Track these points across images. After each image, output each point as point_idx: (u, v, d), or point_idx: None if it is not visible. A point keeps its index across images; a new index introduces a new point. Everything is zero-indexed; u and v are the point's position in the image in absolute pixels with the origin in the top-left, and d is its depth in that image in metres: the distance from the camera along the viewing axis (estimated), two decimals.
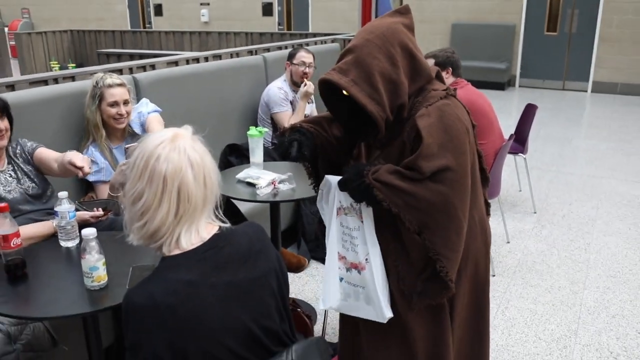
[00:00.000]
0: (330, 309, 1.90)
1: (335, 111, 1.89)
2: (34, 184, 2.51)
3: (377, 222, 1.77)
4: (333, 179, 1.82)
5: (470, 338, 1.96)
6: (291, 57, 4.17)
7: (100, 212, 2.45)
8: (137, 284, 1.32)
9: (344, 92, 1.71)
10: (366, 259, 1.78)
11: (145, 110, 3.16)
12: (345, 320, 2.05)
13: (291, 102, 4.15)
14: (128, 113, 2.94)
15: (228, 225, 1.42)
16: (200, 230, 1.37)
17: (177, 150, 1.32)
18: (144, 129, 3.11)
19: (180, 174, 1.31)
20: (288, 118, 4.07)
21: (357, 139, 1.92)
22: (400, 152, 1.75)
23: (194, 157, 1.33)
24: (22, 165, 2.51)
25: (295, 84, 4.19)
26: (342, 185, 1.76)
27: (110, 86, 2.86)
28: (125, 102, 2.91)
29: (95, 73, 3.04)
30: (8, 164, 2.48)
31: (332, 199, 1.84)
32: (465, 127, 1.71)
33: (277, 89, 4.11)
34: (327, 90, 1.80)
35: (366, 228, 1.78)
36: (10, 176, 2.46)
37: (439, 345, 1.82)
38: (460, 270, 1.78)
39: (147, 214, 1.33)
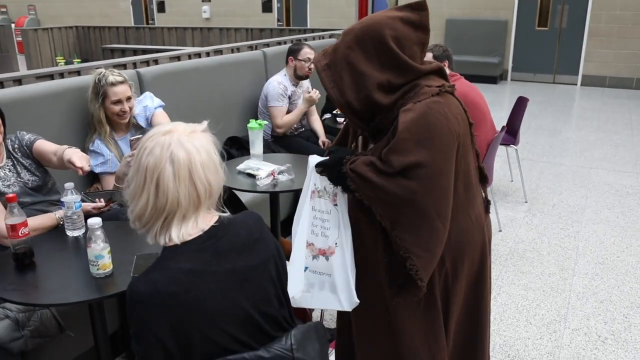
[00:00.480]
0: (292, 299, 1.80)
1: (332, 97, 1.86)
2: (34, 177, 2.49)
3: (369, 213, 1.71)
4: (312, 160, 1.80)
5: (469, 335, 1.93)
6: (295, 52, 4.13)
7: (102, 203, 2.44)
8: (141, 273, 1.31)
9: None
10: (336, 243, 1.75)
11: (152, 105, 3.15)
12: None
13: (290, 97, 4.14)
14: (131, 108, 2.93)
15: (227, 215, 1.42)
16: (198, 221, 1.35)
17: (161, 146, 1.30)
18: (149, 123, 3.11)
19: (158, 169, 1.29)
20: (282, 114, 4.05)
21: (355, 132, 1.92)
22: (387, 145, 1.69)
23: (179, 154, 1.29)
24: (21, 160, 2.48)
25: (299, 78, 4.18)
26: (319, 168, 1.76)
27: (112, 84, 2.84)
28: (128, 99, 2.89)
29: (99, 68, 3.03)
30: (7, 158, 2.45)
31: (308, 181, 1.81)
32: (452, 128, 1.63)
33: (277, 83, 4.09)
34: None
35: (340, 210, 1.76)
36: (10, 170, 2.43)
37: (429, 339, 1.79)
38: (457, 267, 1.75)
39: (133, 202, 1.35)
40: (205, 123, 1.40)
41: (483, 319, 1.94)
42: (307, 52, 4.12)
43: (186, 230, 1.34)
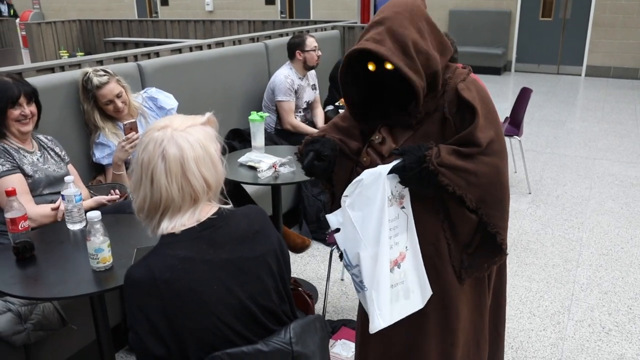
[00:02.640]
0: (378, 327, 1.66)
1: (348, 95, 1.78)
2: (56, 168, 2.55)
3: (422, 208, 1.69)
4: (383, 170, 1.61)
5: (492, 313, 1.95)
6: (301, 45, 4.09)
7: (117, 194, 2.49)
8: (138, 261, 1.32)
9: (370, 68, 1.65)
10: (406, 247, 1.67)
11: (168, 106, 3.19)
12: None
13: (296, 91, 4.12)
14: (125, 102, 2.92)
15: (229, 207, 1.40)
16: (196, 212, 1.35)
17: (154, 142, 1.30)
18: None
19: (151, 165, 1.30)
20: (292, 109, 4.05)
21: (373, 125, 1.80)
22: (441, 129, 1.69)
23: (171, 150, 1.29)
24: (52, 155, 2.58)
25: (308, 69, 4.18)
26: (399, 172, 1.61)
27: (98, 87, 2.84)
28: (119, 96, 2.88)
29: (85, 66, 3.01)
30: (38, 149, 2.53)
31: (376, 193, 1.61)
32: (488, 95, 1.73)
33: (284, 77, 4.07)
34: (348, 67, 1.70)
35: (407, 213, 1.67)
36: (38, 159, 2.50)
37: (475, 316, 1.83)
38: None
39: (134, 194, 1.36)
40: (207, 115, 1.39)
41: (504, 298, 1.99)
42: (312, 42, 4.12)
43: (182, 221, 1.33)
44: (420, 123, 1.71)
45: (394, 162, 1.61)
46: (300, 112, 4.24)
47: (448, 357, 1.81)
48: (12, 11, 12.21)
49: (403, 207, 1.66)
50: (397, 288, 1.67)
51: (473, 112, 1.63)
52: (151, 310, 1.25)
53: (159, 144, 1.30)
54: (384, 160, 1.76)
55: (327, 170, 1.83)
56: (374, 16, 1.71)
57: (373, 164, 1.72)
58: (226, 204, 1.41)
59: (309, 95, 4.25)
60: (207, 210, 1.37)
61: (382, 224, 1.60)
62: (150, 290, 1.25)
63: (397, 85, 1.66)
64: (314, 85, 4.34)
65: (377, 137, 1.77)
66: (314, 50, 4.10)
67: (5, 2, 12.02)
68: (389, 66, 1.62)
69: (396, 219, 1.64)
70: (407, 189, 1.66)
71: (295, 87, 4.10)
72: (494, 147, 1.63)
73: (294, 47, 4.11)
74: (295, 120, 4.10)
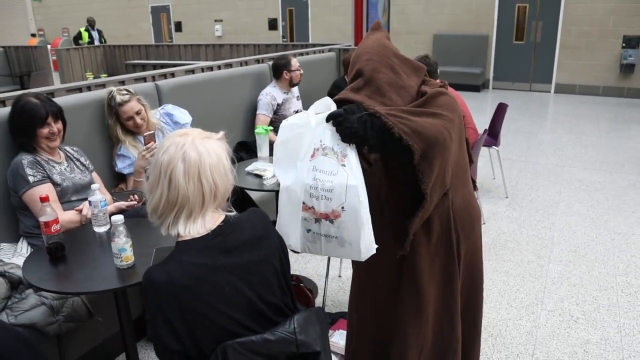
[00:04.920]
0: (293, 249, 1.61)
1: None
2: (82, 177, 2.55)
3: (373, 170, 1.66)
4: (316, 115, 1.53)
5: (472, 300, 1.93)
6: (287, 65, 4.13)
7: (136, 200, 2.49)
8: (157, 264, 1.31)
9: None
10: (342, 207, 1.50)
11: (183, 121, 3.20)
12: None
13: (279, 104, 4.12)
14: (144, 119, 2.93)
15: (234, 214, 1.40)
16: (206, 220, 1.34)
17: (176, 145, 1.30)
18: None
19: (171, 166, 1.29)
20: (264, 122, 4.02)
21: None
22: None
23: (191, 154, 1.29)
24: (77, 165, 2.58)
25: (292, 86, 4.21)
26: (335, 119, 1.50)
27: (120, 105, 2.85)
28: (138, 112, 2.89)
29: (111, 85, 3.02)
30: (65, 160, 2.54)
31: (307, 139, 1.53)
32: (459, 109, 1.68)
33: (266, 94, 4.11)
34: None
35: (348, 171, 1.50)
36: (65, 169, 2.50)
37: (447, 298, 1.80)
38: (463, 229, 1.78)
39: (150, 195, 1.35)
40: (221, 133, 1.39)
41: (481, 286, 1.97)
42: (295, 62, 4.20)
43: (195, 228, 1.32)
44: None
45: (331, 107, 1.54)
46: None
47: (422, 333, 1.79)
48: (102, 39, 12.26)
49: (343, 165, 1.50)
50: (330, 239, 1.55)
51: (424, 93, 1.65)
52: (169, 311, 1.25)
53: (180, 147, 1.30)
54: (370, 167, 1.78)
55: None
56: (355, 65, 1.72)
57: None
58: (230, 211, 1.41)
59: (295, 105, 4.28)
60: (215, 218, 1.36)
61: (302, 166, 1.51)
62: (169, 293, 1.24)
63: None
64: (298, 96, 4.37)
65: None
66: (298, 70, 4.16)
67: (95, 29, 12.14)
68: None
69: (330, 174, 1.49)
70: (352, 149, 1.52)
71: (280, 101, 4.11)
72: (443, 118, 1.57)
73: (282, 68, 4.14)
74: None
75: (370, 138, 1.51)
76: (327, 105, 1.58)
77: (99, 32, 12.39)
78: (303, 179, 1.52)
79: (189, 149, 1.30)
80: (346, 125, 1.49)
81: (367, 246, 1.55)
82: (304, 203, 1.54)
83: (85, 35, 12.05)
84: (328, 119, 1.52)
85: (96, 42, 11.93)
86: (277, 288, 1.41)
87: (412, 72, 1.73)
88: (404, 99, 1.66)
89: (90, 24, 12.28)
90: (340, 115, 1.50)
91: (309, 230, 1.57)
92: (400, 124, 1.49)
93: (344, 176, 1.49)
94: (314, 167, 1.53)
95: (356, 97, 1.61)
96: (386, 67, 1.67)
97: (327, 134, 1.51)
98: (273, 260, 1.41)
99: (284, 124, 1.59)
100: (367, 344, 1.93)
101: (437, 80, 1.78)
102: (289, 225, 1.59)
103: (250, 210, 1.48)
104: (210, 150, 1.32)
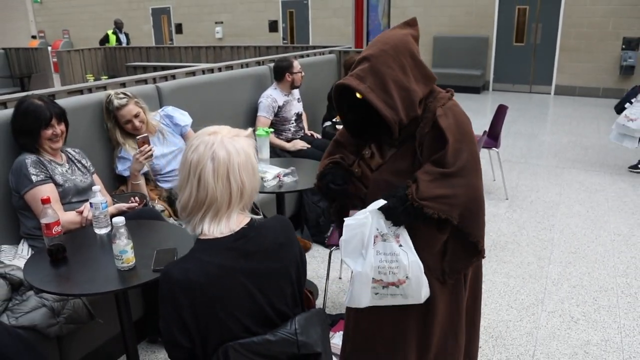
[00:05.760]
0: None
1: (344, 114, 1.80)
2: (83, 179, 2.55)
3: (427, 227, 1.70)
4: (371, 208, 1.67)
5: (469, 310, 1.95)
6: (289, 68, 4.12)
7: (136, 202, 2.49)
8: (176, 261, 1.30)
9: (358, 96, 1.65)
10: (407, 276, 1.66)
11: (183, 123, 3.20)
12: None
13: (280, 107, 4.11)
14: (143, 122, 2.93)
15: (260, 217, 1.39)
16: (231, 221, 1.33)
17: (205, 144, 1.30)
18: (183, 137, 3.19)
19: (201, 165, 1.28)
20: (264, 124, 4.01)
21: (366, 141, 1.83)
22: (417, 147, 1.70)
23: (220, 153, 1.29)
24: (79, 167, 2.58)
25: (295, 88, 4.20)
26: (387, 213, 1.64)
27: (118, 108, 2.86)
28: (136, 115, 2.90)
29: (112, 87, 3.02)
30: (67, 162, 2.54)
31: (365, 231, 1.67)
32: (470, 121, 1.72)
33: (267, 96, 4.09)
34: (341, 95, 1.73)
35: (405, 249, 1.66)
36: (67, 171, 2.50)
37: (454, 316, 1.84)
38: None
39: (180, 193, 1.34)
40: (249, 130, 1.39)
41: (479, 296, 1.98)
42: (297, 65, 4.18)
43: (219, 228, 1.32)
44: (404, 142, 1.73)
45: (379, 203, 1.64)
46: (292, 122, 4.24)
47: (426, 347, 1.81)
48: (129, 41, 12.03)
49: (400, 245, 1.67)
50: (396, 296, 1.72)
51: (445, 140, 1.62)
52: (182, 307, 1.25)
53: (210, 146, 1.29)
54: (372, 172, 1.78)
55: (344, 195, 1.85)
56: (365, 48, 1.71)
57: (364, 175, 1.78)
58: (257, 214, 1.40)
59: (296, 107, 4.27)
60: (240, 219, 1.35)
61: (368, 252, 1.67)
62: (185, 290, 1.24)
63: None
64: (299, 98, 4.36)
65: (367, 152, 1.81)
66: (300, 72, 4.15)
67: (123, 32, 11.90)
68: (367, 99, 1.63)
69: (393, 254, 1.66)
70: (402, 228, 1.66)
71: (281, 103, 4.10)
72: (468, 167, 1.62)
73: (284, 70, 4.13)
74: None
75: (414, 222, 1.66)
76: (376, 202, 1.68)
77: (126, 35, 12.07)
78: (371, 263, 1.67)
79: (218, 147, 1.29)
80: (394, 218, 1.64)
81: (426, 292, 1.72)
82: (373, 279, 1.70)
83: (112, 38, 11.66)
84: (384, 214, 1.66)
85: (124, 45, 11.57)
86: (289, 297, 1.41)
87: (421, 79, 1.69)
88: (404, 102, 1.64)
89: (118, 26, 11.84)
90: (388, 209, 1.64)
91: (377, 293, 1.73)
92: (439, 206, 1.60)
93: (405, 256, 1.66)
94: (377, 252, 1.67)
95: (360, 87, 1.61)
96: (398, 64, 1.63)
97: (382, 223, 1.67)
98: (290, 269, 1.40)
99: (347, 223, 1.69)
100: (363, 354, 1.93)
101: (444, 91, 1.76)
102: (361, 297, 1.73)
103: (275, 216, 1.47)
104: (239, 149, 1.31)
